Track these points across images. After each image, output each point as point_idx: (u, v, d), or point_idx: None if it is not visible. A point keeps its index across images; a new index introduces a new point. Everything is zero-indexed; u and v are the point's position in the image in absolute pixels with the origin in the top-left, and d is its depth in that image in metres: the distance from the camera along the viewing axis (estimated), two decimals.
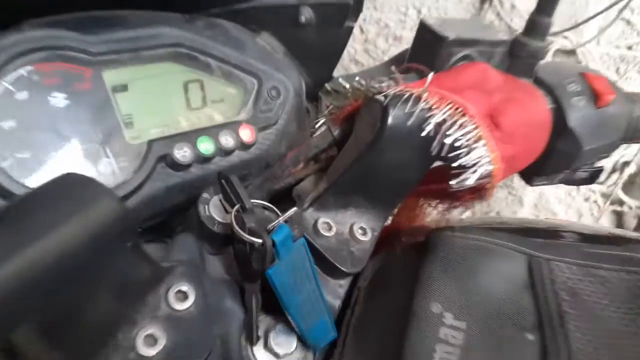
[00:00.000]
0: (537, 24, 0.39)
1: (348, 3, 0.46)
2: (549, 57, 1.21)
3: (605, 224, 1.45)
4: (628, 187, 1.39)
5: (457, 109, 0.35)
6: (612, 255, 0.36)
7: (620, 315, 0.31)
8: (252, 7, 0.49)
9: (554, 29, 1.16)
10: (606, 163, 1.36)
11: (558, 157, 0.41)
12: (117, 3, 0.44)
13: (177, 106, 0.42)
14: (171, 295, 0.29)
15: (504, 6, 1.21)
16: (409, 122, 0.35)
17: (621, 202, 1.39)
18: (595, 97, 0.40)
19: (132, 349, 0.27)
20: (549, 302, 0.33)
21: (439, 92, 0.36)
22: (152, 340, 0.27)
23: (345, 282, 0.39)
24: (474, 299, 0.34)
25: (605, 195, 1.40)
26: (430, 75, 0.35)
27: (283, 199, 0.44)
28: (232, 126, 0.42)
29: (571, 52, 1.23)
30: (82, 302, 0.24)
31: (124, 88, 0.40)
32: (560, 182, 0.44)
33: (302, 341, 0.35)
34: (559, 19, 1.16)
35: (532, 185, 0.44)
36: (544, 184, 0.44)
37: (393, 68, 0.41)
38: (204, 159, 0.40)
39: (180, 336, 0.28)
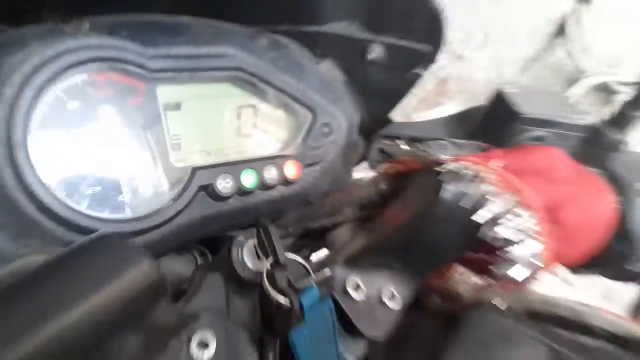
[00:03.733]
0: (624, 117, 0.36)
1: (422, 51, 0.44)
2: None
3: None
4: None
5: (517, 196, 0.33)
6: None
7: None
8: (321, 33, 0.48)
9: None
10: None
11: (611, 256, 0.38)
12: (187, 10, 0.43)
13: (227, 131, 0.41)
14: (193, 344, 0.29)
15: (578, 45, 1.16)
16: (464, 201, 0.33)
17: None
18: None
19: None
20: None
21: (502, 173, 0.33)
22: None
23: (364, 346, 0.37)
24: None
25: None
26: (495, 158, 0.33)
27: (313, 241, 0.43)
28: (278, 160, 0.41)
29: None
30: (110, 351, 0.23)
31: (176, 107, 0.39)
32: (603, 276, 0.42)
33: None
34: None
35: (575, 274, 0.41)
36: (588, 275, 0.41)
37: (456, 141, 0.39)
38: (245, 192, 0.39)
39: None
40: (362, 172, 0.49)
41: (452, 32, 1.31)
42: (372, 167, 0.46)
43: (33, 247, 0.32)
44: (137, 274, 0.22)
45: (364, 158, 0.51)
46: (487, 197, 0.33)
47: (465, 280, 0.42)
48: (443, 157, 0.35)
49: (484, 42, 1.29)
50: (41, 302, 0.19)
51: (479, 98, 0.55)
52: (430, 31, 0.44)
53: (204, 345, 0.29)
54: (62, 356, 0.19)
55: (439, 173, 0.33)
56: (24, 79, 0.32)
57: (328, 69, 0.49)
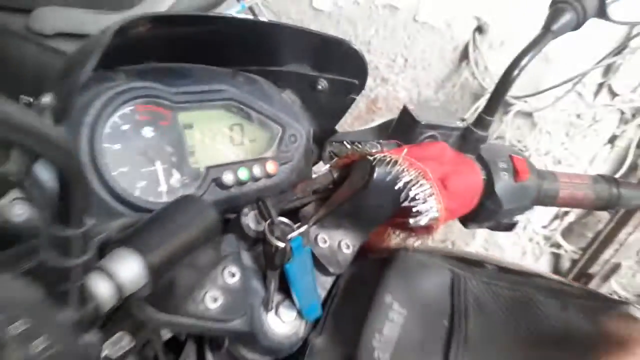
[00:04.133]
0: (483, 120, 0.58)
1: (354, 82, 0.64)
2: (510, 117, 1.41)
3: (544, 263, 1.66)
4: (567, 233, 1.60)
5: (420, 173, 0.53)
6: (510, 279, 0.54)
7: (504, 314, 0.49)
8: (282, 71, 0.67)
9: (517, 93, 1.38)
10: (550, 211, 1.57)
11: (486, 212, 0.59)
12: (181, 58, 0.60)
13: (225, 142, 0.59)
14: (226, 272, 0.46)
15: (479, 67, 1.42)
16: (388, 178, 0.52)
17: (559, 246, 1.60)
18: (516, 173, 0.58)
19: (202, 302, 0.43)
20: (460, 303, 0.51)
21: (410, 159, 0.53)
22: (213, 299, 0.44)
23: (330, 280, 0.56)
24: (413, 295, 0.52)
25: (546, 238, 1.61)
26: (405, 150, 0.53)
27: (289, 216, 0.61)
28: (261, 161, 0.59)
29: (529, 115, 1.44)
30: (184, 268, 0.40)
31: (190, 126, 0.56)
32: (487, 228, 0.62)
33: (300, 314, 0.51)
34: (522, 85, 1.37)
35: (467, 228, 0.62)
36: (476, 228, 0.62)
37: (381, 142, 0.58)
38: (241, 183, 0.57)
39: (230, 299, 0.45)
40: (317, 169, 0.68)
41: (379, 59, 1.55)
42: (325, 163, 0.65)
43: (104, 222, 0.48)
44: (207, 215, 0.39)
45: (318, 159, 0.70)
46: (402, 175, 0.52)
47: (392, 235, 0.62)
48: (373, 151, 0.54)
49: (404, 67, 1.52)
50: (165, 228, 0.36)
51: None
52: (358, 70, 0.64)
53: (231, 274, 0.47)
54: (178, 252, 0.36)
55: (371, 161, 0.53)
56: (97, 111, 0.49)
57: (288, 96, 0.68)
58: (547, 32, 0.56)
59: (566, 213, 1.56)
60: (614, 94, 1.40)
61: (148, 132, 0.53)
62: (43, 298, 0.26)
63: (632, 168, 1.43)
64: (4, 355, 0.23)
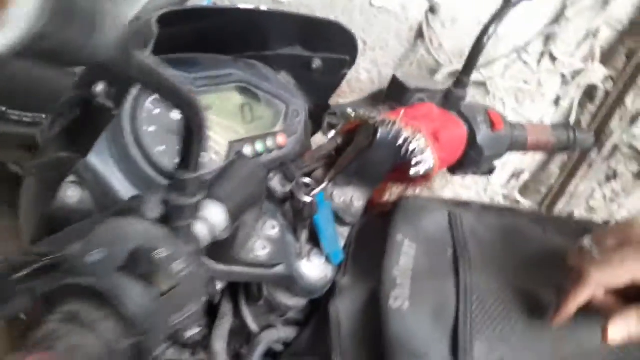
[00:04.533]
0: (461, 81, 0.67)
1: (346, 58, 0.72)
2: None
3: None
4: (523, 190, 1.75)
5: (415, 129, 0.62)
6: (494, 212, 0.64)
7: (497, 240, 0.60)
8: (277, 54, 0.74)
9: None
10: (507, 172, 1.72)
11: (470, 160, 0.69)
12: (191, 48, 0.67)
13: (239, 119, 0.66)
14: (267, 225, 0.54)
15: (433, 44, 1.53)
16: (389, 137, 0.61)
17: (517, 202, 1.75)
18: (492, 125, 0.69)
19: (252, 251, 0.51)
20: (459, 235, 0.60)
21: (406, 119, 0.62)
22: (262, 247, 0.52)
23: (347, 229, 0.64)
24: (420, 232, 0.61)
25: (505, 197, 1.76)
26: (402, 111, 0.62)
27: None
28: (273, 135, 0.67)
29: (483, 84, 1.56)
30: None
31: (210, 108, 0.63)
32: (471, 174, 0.72)
33: (327, 259, 0.60)
34: None
35: (454, 175, 0.72)
36: (462, 175, 0.72)
37: (378, 108, 0.67)
38: (258, 154, 0.64)
39: (274, 248, 0.53)
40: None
41: None
42: (324, 133, 0.73)
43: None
44: (260, 171, 0.47)
45: (314, 132, 0.78)
46: (401, 132, 0.61)
47: (395, 191, 0.71)
48: (374, 115, 0.62)
49: (364, 50, 1.62)
50: (235, 182, 0.44)
51: (366, 93, 0.85)
52: (348, 47, 0.72)
53: (272, 227, 0.54)
54: (247, 201, 0.43)
55: (374, 124, 0.61)
56: (135, 97, 0.55)
57: (284, 78, 0.75)
58: (508, 3, 0.66)
59: (522, 172, 1.71)
60: (554, 60, 1.55)
61: (176, 114, 0.59)
62: (170, 232, 0.33)
63: (576, 124, 1.59)
64: (158, 272, 0.31)
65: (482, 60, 1.52)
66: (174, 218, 0.34)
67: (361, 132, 0.64)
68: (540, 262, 0.58)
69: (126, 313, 0.29)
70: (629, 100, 1.53)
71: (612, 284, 0.49)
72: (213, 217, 0.39)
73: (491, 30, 0.66)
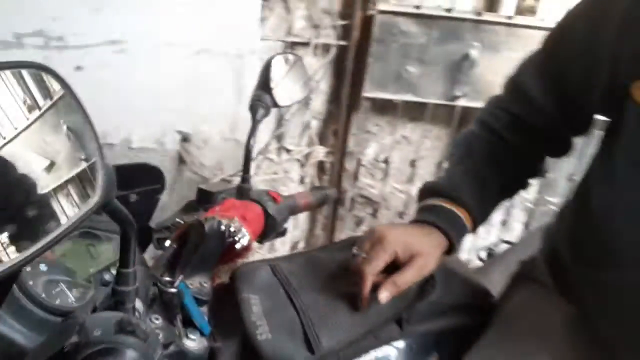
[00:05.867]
0: (245, 178, 0.96)
1: (158, 187, 0.94)
2: None
3: None
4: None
5: (230, 218, 0.87)
6: (298, 254, 0.93)
7: (308, 269, 0.87)
8: None
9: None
10: (288, 244, 2.06)
11: (269, 228, 0.96)
12: None
13: (86, 259, 0.80)
14: (153, 318, 0.70)
15: (195, 165, 1.82)
16: (214, 228, 0.84)
17: None
18: (274, 200, 0.98)
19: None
20: (282, 277, 0.86)
21: (220, 213, 0.87)
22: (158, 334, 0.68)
23: (205, 307, 0.84)
24: (257, 287, 0.85)
25: None
26: (216, 208, 0.86)
27: None
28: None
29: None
30: None
31: (65, 255, 0.77)
32: (273, 238, 1.00)
33: (200, 332, 0.78)
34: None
35: (261, 243, 0.98)
36: (268, 241, 0.99)
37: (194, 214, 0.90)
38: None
39: (165, 333, 0.70)
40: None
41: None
42: (156, 248, 0.92)
43: None
44: None
45: (142, 250, 0.96)
46: (221, 222, 0.85)
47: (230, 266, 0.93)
48: (197, 217, 0.85)
49: None
50: None
51: None
52: (157, 177, 0.94)
53: (156, 318, 0.71)
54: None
55: (201, 222, 0.84)
56: None
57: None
58: (257, 122, 0.98)
59: (298, 241, 2.08)
60: (289, 151, 1.99)
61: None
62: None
63: None
64: None
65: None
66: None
67: (192, 232, 0.85)
68: (336, 273, 0.88)
69: None
70: (348, 165, 2.06)
71: (377, 269, 0.81)
72: None
73: (252, 141, 0.96)
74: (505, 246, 1.86)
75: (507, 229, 2.19)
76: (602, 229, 0.75)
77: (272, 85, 1.01)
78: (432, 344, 0.85)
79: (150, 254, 0.95)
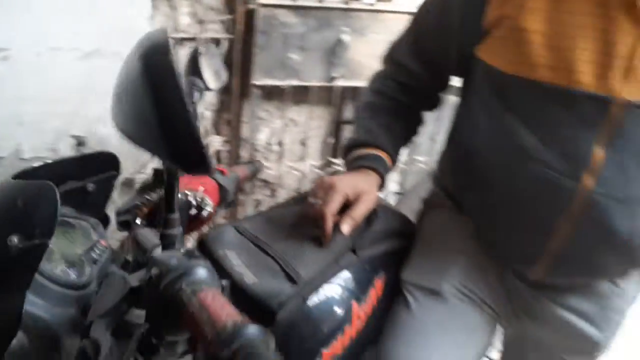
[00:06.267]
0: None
1: (114, 173, 0.99)
2: None
3: None
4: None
5: (194, 188, 0.96)
6: (258, 213, 1.06)
7: (273, 223, 1.01)
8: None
9: None
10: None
11: (223, 197, 1.07)
12: None
13: (68, 244, 0.85)
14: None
15: None
16: (182, 198, 0.94)
17: None
18: (223, 173, 1.09)
19: None
20: (247, 233, 0.98)
21: (184, 185, 0.96)
22: None
23: None
24: (229, 244, 0.96)
25: None
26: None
27: None
28: (97, 242, 0.88)
29: None
30: None
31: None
32: (226, 207, 1.11)
33: None
34: None
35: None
36: (223, 209, 1.09)
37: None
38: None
39: None
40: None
41: None
42: (120, 230, 0.98)
43: None
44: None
45: None
46: (187, 194, 0.95)
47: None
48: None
49: None
50: None
51: None
52: (112, 163, 1.00)
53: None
54: None
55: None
56: None
57: (68, 210, 0.96)
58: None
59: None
60: None
61: None
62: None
63: None
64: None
65: None
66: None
67: (162, 207, 0.94)
68: (297, 222, 1.03)
69: None
70: (243, 151, 2.18)
71: (335, 210, 0.97)
72: None
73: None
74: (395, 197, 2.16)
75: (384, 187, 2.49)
76: (473, 159, 1.00)
77: (202, 71, 1.12)
78: (379, 265, 1.04)
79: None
